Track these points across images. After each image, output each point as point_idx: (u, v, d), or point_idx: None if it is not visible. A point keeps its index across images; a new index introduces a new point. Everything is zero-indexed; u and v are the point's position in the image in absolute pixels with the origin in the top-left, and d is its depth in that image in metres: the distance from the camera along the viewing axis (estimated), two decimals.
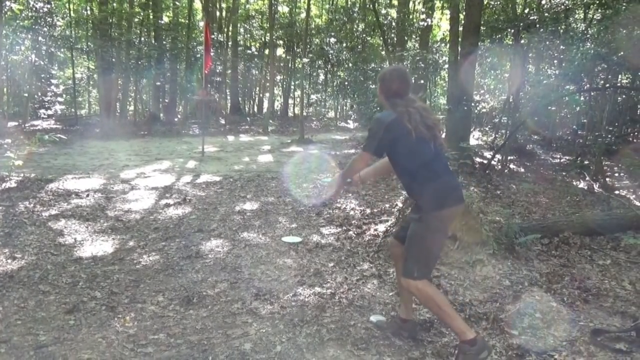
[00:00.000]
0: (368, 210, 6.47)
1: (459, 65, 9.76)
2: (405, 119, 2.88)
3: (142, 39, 21.78)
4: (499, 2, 13.09)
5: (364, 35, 23.53)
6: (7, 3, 12.32)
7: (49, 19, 18.47)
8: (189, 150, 13.22)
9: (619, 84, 11.53)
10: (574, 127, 13.66)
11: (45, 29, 18.10)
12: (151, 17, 21.09)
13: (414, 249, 2.96)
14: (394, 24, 21.53)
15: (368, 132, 3.00)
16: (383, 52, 19.47)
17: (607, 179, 9.23)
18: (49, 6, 18.44)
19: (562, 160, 11.64)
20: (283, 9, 26.34)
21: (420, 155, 2.92)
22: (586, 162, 9.78)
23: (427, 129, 2.92)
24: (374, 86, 16.77)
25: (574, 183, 8.87)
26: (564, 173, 9.81)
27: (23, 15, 16.62)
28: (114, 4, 19.39)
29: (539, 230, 5.15)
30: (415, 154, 2.92)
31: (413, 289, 2.96)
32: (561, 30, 11.19)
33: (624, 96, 11.36)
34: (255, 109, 29.48)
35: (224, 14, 25.41)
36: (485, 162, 9.86)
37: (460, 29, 11.02)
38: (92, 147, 13.36)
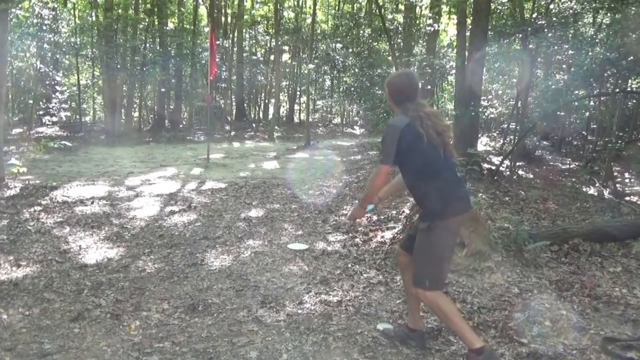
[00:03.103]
0: (374, 217, 6.46)
1: (466, 70, 9.76)
2: (417, 123, 2.85)
3: (147, 45, 21.93)
4: (506, 7, 13.10)
5: (370, 41, 23.58)
6: (13, 10, 12.44)
7: (54, 26, 18.61)
8: (194, 157, 13.28)
9: (628, 89, 11.49)
10: (584, 132, 13.61)
11: (50, 36, 18.24)
12: (156, 23, 21.23)
13: (424, 258, 2.94)
14: (400, 29, 21.57)
15: (382, 142, 2.94)
16: (389, 58, 19.47)
17: (618, 185, 9.19)
18: (54, 13, 18.60)
19: (571, 166, 11.60)
20: (289, 14, 26.47)
21: (430, 161, 2.89)
22: (596, 168, 9.73)
23: (438, 134, 2.89)
24: (380, 92, 16.78)
25: (584, 189, 8.83)
26: (573, 179, 9.78)
27: (28, 22, 16.76)
28: (119, 11, 19.54)
29: (548, 237, 5.13)
30: (425, 160, 2.89)
31: (423, 298, 2.97)
32: (570, 35, 11.18)
33: (634, 101, 11.32)
34: (261, 115, 29.55)
35: (229, 19, 25.54)
36: (493, 168, 9.83)
37: (468, 34, 11.04)
38: (97, 153, 13.45)
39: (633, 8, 9.12)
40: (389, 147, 2.87)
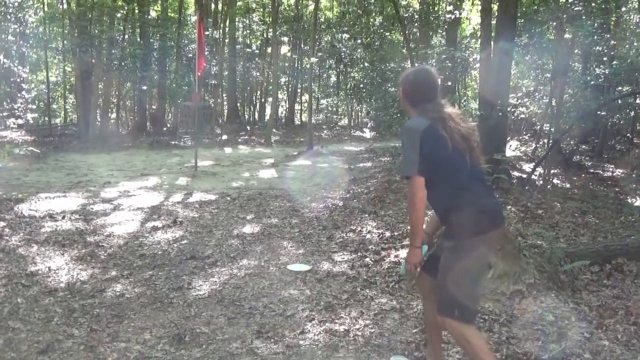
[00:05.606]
0: (387, 233, 6.47)
1: (492, 64, 9.79)
2: (439, 125, 2.82)
3: (126, 36, 22.06)
4: None
5: (382, 31, 23.69)
6: None
7: (19, 15, 18.77)
8: (179, 165, 13.34)
9: None
10: (628, 134, 13.59)
11: (16, 26, 18.39)
12: (136, 11, 21.36)
13: (450, 283, 2.83)
14: (416, 17, 21.65)
15: (403, 149, 2.91)
16: (404, 50, 19.56)
17: None
18: (19, 0, 18.76)
19: (614, 174, 11.58)
20: (288, 0, 26.60)
21: (456, 170, 2.86)
22: None
23: (463, 138, 2.86)
24: (393, 89, 16.86)
25: (629, 200, 8.82)
26: (616, 189, 9.77)
27: None
28: None
29: (587, 256, 5.12)
30: (450, 168, 2.85)
31: (450, 329, 2.88)
32: (612, 23, 11.21)
33: None
34: (256, 116, 29.68)
35: (219, 6, 25.70)
36: (524, 176, 9.85)
37: (494, 22, 11.08)
38: (69, 161, 13.51)
39: None
40: (411, 154, 2.81)
